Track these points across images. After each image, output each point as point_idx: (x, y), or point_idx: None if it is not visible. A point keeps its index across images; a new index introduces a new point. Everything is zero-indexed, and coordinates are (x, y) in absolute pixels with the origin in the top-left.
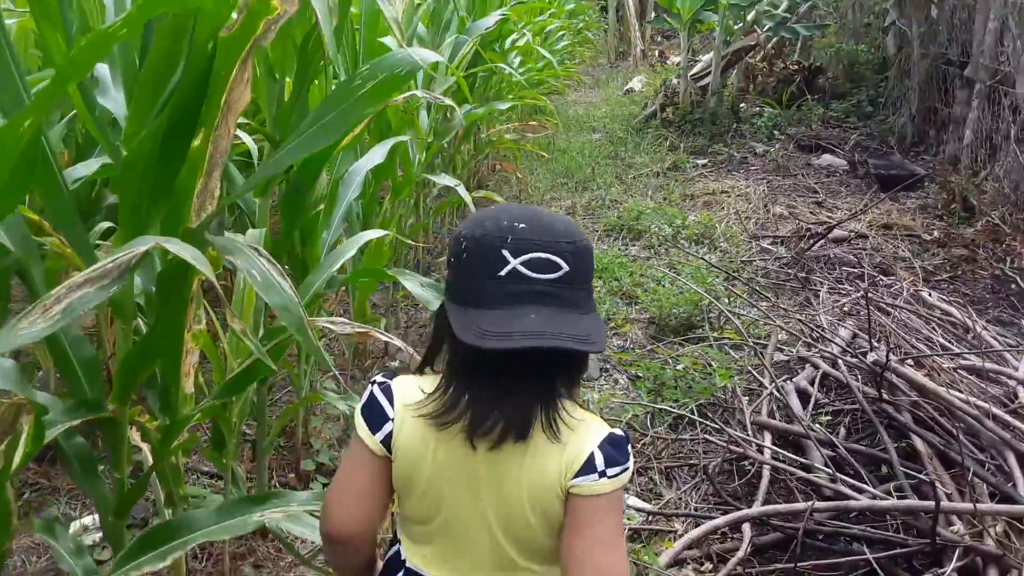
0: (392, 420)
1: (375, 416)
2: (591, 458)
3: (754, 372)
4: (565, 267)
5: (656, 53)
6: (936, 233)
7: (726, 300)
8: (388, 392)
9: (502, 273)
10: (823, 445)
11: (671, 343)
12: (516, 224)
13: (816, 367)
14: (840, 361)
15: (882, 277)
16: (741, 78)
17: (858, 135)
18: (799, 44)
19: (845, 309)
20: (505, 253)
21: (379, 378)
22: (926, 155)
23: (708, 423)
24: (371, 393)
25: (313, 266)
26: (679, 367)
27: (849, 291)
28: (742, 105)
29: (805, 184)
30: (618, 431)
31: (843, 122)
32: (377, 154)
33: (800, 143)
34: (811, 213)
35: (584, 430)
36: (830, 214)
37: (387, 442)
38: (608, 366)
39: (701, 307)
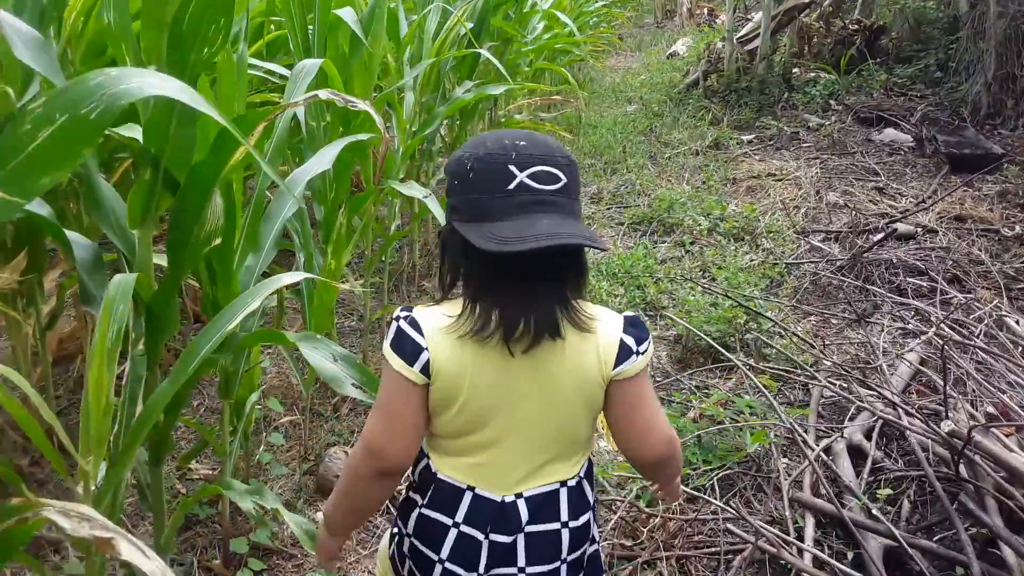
0: (427, 349)
1: (408, 348)
2: (623, 344)
3: (796, 428)
4: (564, 178)
5: (705, 11)
6: (1018, 228)
7: (768, 312)
8: (415, 324)
9: (511, 187)
10: (882, 534)
11: (699, 371)
12: (517, 142)
13: (873, 412)
14: (904, 416)
15: (956, 295)
16: (794, 41)
17: (926, 105)
18: (859, 1)
19: (909, 347)
20: (512, 168)
21: (402, 313)
22: (1003, 129)
23: (731, 506)
24: (399, 328)
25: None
26: (703, 410)
27: (915, 308)
28: (795, 71)
29: (864, 165)
30: (629, 312)
31: (908, 90)
32: (325, 157)
33: (859, 115)
34: (871, 202)
35: (604, 320)
36: (893, 203)
37: (425, 370)
38: None
39: (736, 325)
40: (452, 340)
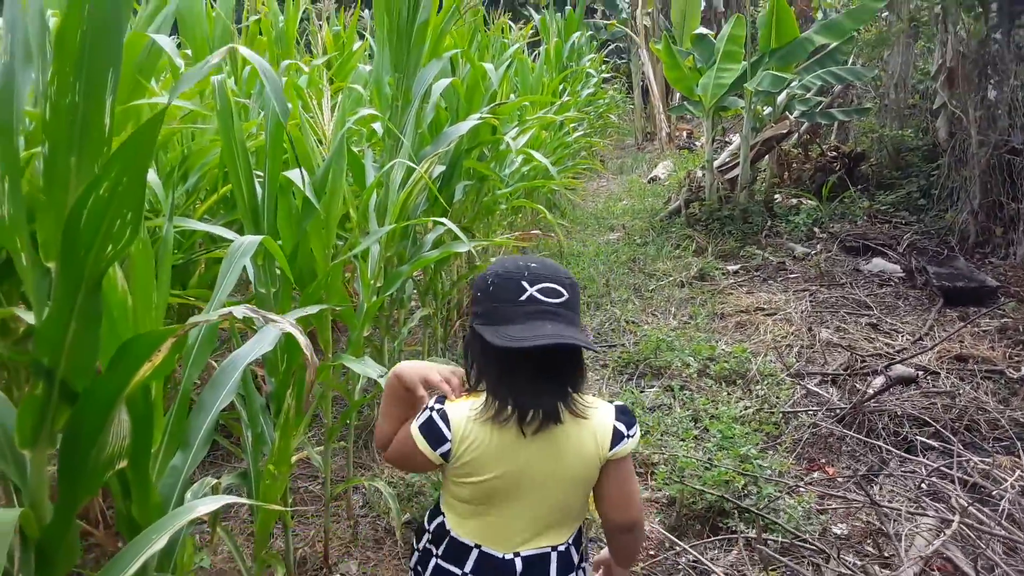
0: (450, 440)
1: (434, 435)
2: (616, 430)
3: None
4: (566, 294)
5: (684, 134)
6: None
7: (766, 471)
8: (444, 417)
9: (522, 298)
10: None
11: (695, 545)
12: (530, 264)
13: None
14: None
15: (970, 457)
16: (774, 168)
17: (912, 233)
18: (835, 128)
19: (924, 525)
20: (524, 283)
21: (435, 404)
22: (993, 258)
23: None
24: (429, 416)
25: (153, 517)
26: None
27: (925, 465)
28: (776, 197)
29: (855, 297)
30: (619, 403)
31: (892, 216)
32: (267, 338)
33: (845, 243)
34: (866, 339)
35: (599, 409)
36: (889, 340)
37: (445, 456)
38: None
39: (734, 488)
40: (477, 425)
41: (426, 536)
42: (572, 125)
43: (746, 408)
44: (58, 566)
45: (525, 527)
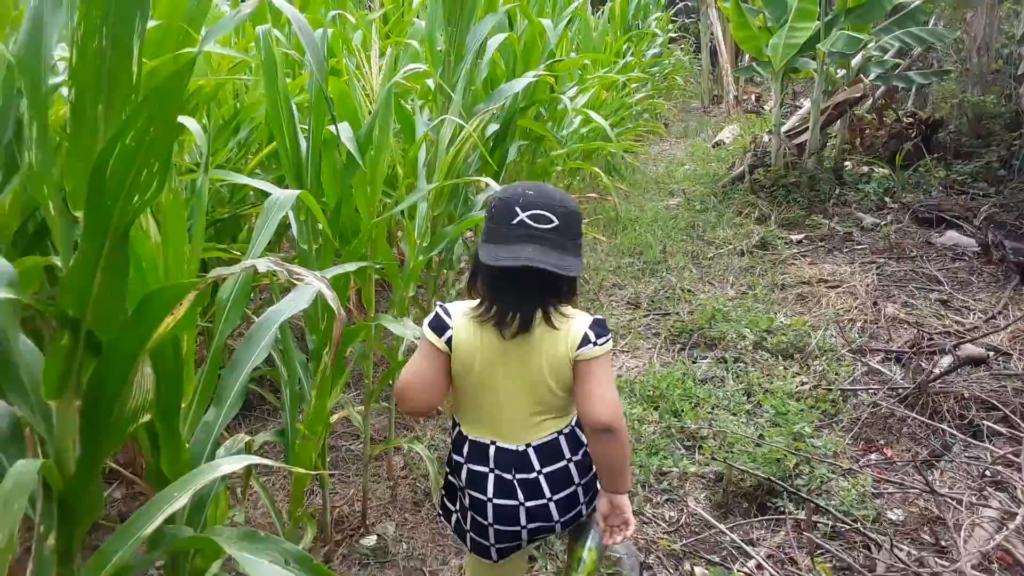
0: (451, 328)
1: (439, 326)
2: (585, 335)
3: None
4: (556, 221)
5: (752, 97)
6: None
7: (820, 450)
8: (447, 311)
9: (513, 222)
10: None
11: (740, 524)
12: (527, 191)
13: None
14: None
15: None
16: (845, 134)
17: (990, 206)
18: (912, 93)
19: (989, 515)
20: (516, 208)
21: (440, 304)
22: None
23: None
24: (436, 313)
25: (183, 472)
26: None
27: (991, 452)
28: (846, 165)
29: (925, 271)
30: (599, 316)
31: (969, 188)
32: (303, 296)
33: (917, 215)
34: (935, 316)
35: (575, 319)
36: (959, 318)
37: (448, 342)
38: (654, 559)
39: (785, 467)
40: (468, 321)
41: (451, 449)
42: (635, 86)
43: (802, 384)
44: (81, 518)
45: (522, 419)
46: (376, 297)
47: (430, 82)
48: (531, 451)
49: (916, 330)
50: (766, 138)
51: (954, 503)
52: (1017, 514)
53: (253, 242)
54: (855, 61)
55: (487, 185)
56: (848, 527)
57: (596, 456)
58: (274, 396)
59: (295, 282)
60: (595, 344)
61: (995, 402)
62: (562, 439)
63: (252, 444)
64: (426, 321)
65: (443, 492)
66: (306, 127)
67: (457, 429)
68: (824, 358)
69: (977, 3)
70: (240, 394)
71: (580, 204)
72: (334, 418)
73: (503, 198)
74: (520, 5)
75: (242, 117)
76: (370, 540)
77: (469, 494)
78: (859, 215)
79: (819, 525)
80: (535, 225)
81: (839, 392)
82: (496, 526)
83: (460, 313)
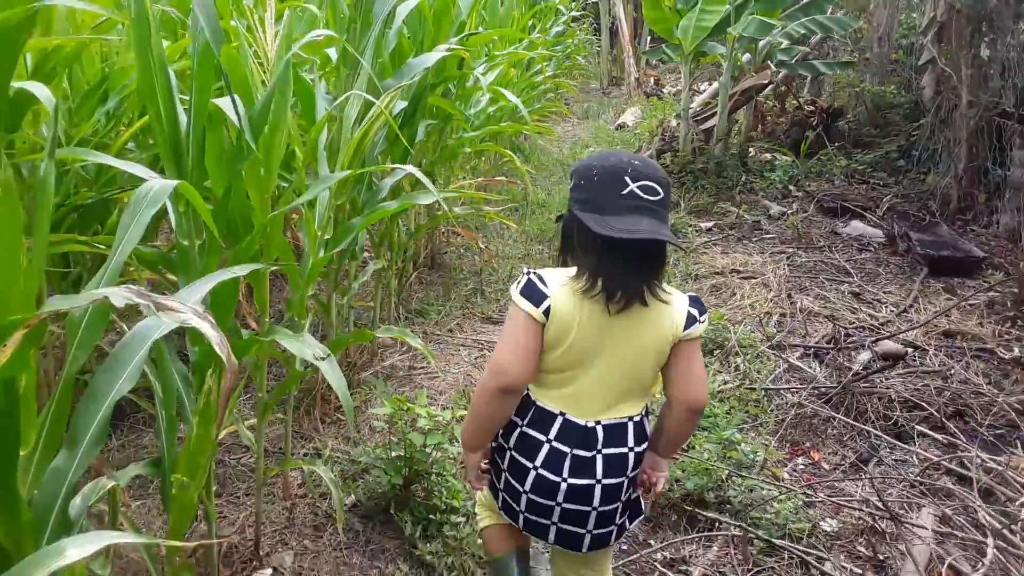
0: (549, 297)
1: (535, 295)
2: (690, 314)
3: None
4: (662, 193)
5: (651, 80)
6: (1016, 350)
7: (749, 455)
8: (542, 279)
9: (624, 192)
10: None
11: (672, 542)
12: (633, 161)
13: None
14: None
15: (978, 454)
16: (751, 120)
17: (891, 196)
18: (808, 80)
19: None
20: (627, 179)
21: (530, 270)
22: (975, 226)
23: None
24: (529, 280)
25: (25, 538)
26: None
27: (917, 455)
28: (750, 151)
29: (834, 262)
30: (692, 293)
31: (870, 177)
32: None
33: (823, 204)
34: (848, 309)
35: (676, 298)
36: (872, 311)
37: (546, 312)
38: None
39: (715, 476)
40: (568, 294)
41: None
42: (542, 64)
43: (725, 383)
44: None
45: (604, 396)
46: (271, 290)
47: (332, 52)
48: (599, 429)
49: (832, 324)
50: (673, 123)
51: (890, 515)
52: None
53: (117, 244)
54: (761, 46)
55: (392, 170)
56: (783, 545)
57: (674, 431)
58: (148, 402)
59: (163, 317)
60: (699, 321)
61: (919, 401)
62: (631, 425)
63: (116, 489)
64: (516, 289)
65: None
66: (188, 99)
67: (525, 391)
68: (745, 355)
69: None
70: (101, 430)
71: (486, 189)
72: (221, 434)
73: (607, 166)
74: None
75: (111, 84)
76: (264, 575)
77: (512, 455)
78: (766, 203)
79: (753, 541)
80: (646, 197)
81: (763, 391)
82: (531, 495)
83: (557, 283)
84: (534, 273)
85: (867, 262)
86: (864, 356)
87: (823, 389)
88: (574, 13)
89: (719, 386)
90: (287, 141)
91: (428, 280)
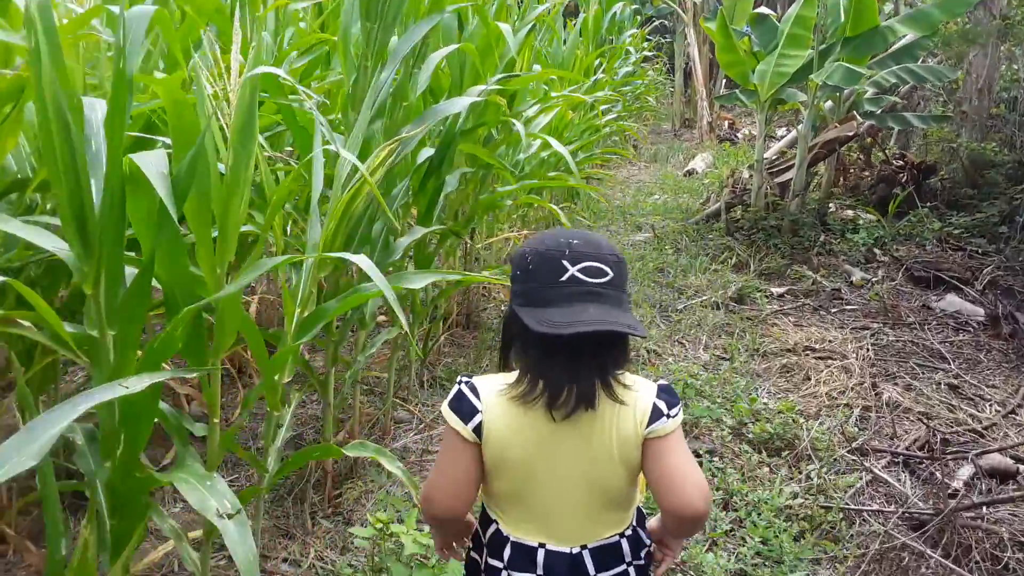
0: (480, 411)
1: (464, 409)
2: (655, 408)
3: None
4: (611, 273)
5: (726, 124)
6: None
7: None
8: (474, 389)
9: (563, 279)
10: None
11: None
12: (572, 240)
13: None
14: None
15: None
16: (833, 175)
17: (992, 267)
18: (895, 132)
19: None
20: (565, 263)
21: (464, 379)
22: None
23: None
24: (459, 391)
25: None
26: None
27: None
28: (830, 207)
29: (926, 343)
30: (663, 381)
31: (967, 243)
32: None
33: (912, 272)
34: (945, 406)
35: (639, 389)
36: (973, 409)
37: (477, 430)
38: None
39: None
40: (504, 403)
41: (484, 552)
42: (605, 107)
43: (794, 496)
44: None
45: (576, 517)
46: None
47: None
48: (585, 554)
49: (925, 426)
50: (745, 174)
51: None
52: None
53: None
54: (845, 94)
55: (411, 226)
56: None
57: (677, 534)
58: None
59: None
60: (668, 416)
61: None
62: (624, 543)
63: None
64: (446, 402)
65: None
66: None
67: (494, 527)
68: (820, 458)
69: (984, 40)
70: None
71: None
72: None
73: (542, 251)
74: (475, 5)
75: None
76: None
77: None
78: (847, 268)
79: None
80: (589, 280)
81: (840, 512)
82: None
83: (492, 391)
84: (466, 382)
85: (965, 345)
86: (966, 471)
87: (915, 513)
88: (647, 53)
89: (786, 500)
90: (243, 207)
91: (461, 342)
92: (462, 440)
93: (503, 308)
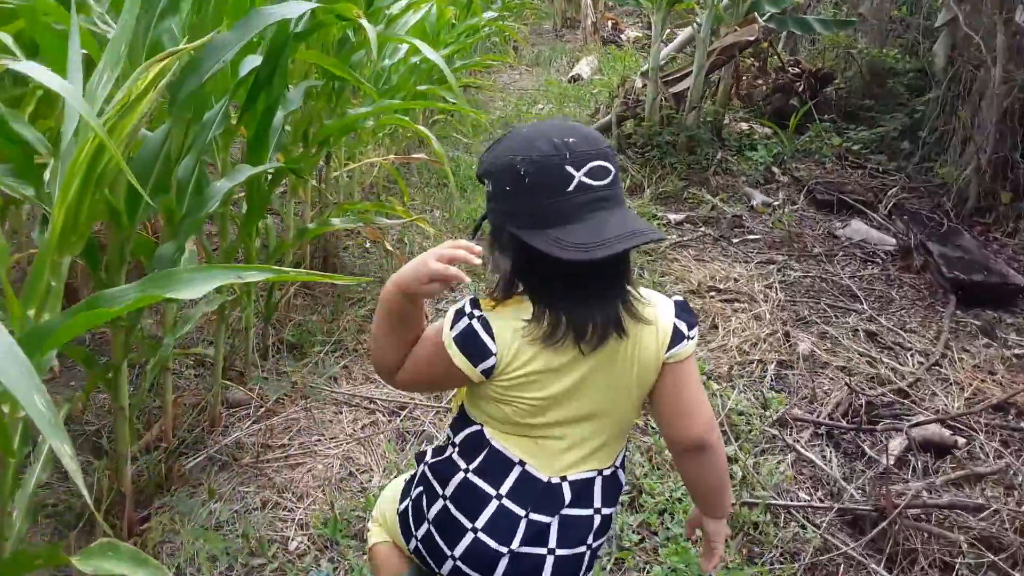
0: (495, 355)
1: (475, 349)
2: (676, 329)
3: None
4: (612, 169)
5: (609, 24)
6: None
7: None
8: (487, 326)
9: (571, 188)
10: None
11: None
12: (567, 139)
13: None
14: None
15: None
16: (730, 83)
17: (897, 189)
18: (783, 35)
19: None
20: (568, 168)
21: (473, 310)
22: (997, 232)
23: None
24: (468, 325)
25: None
26: None
27: None
28: (725, 120)
29: (836, 280)
30: (678, 297)
31: (867, 159)
32: None
33: (815, 195)
34: (865, 359)
35: (656, 306)
36: (894, 362)
37: (487, 372)
38: None
39: None
40: (524, 346)
41: (450, 449)
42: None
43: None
44: None
45: (578, 446)
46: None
47: None
48: (565, 486)
49: (846, 384)
50: (638, 83)
51: None
52: None
53: None
54: None
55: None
56: None
57: (695, 481)
58: None
59: None
60: (688, 338)
61: (984, 529)
62: (599, 480)
63: None
64: (451, 332)
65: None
66: None
67: (475, 428)
68: (737, 435)
69: None
70: None
71: (401, 167)
72: None
73: (537, 158)
74: None
75: None
76: None
77: (445, 506)
78: (747, 190)
79: None
80: (596, 184)
81: (765, 508)
82: (461, 563)
83: (508, 330)
84: (478, 316)
85: (876, 280)
86: (897, 443)
87: (851, 508)
88: None
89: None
90: None
91: (314, 294)
92: (459, 372)
93: (368, 248)
